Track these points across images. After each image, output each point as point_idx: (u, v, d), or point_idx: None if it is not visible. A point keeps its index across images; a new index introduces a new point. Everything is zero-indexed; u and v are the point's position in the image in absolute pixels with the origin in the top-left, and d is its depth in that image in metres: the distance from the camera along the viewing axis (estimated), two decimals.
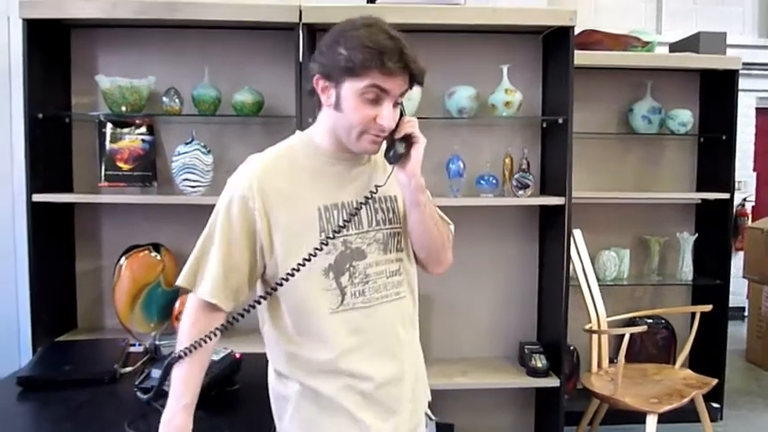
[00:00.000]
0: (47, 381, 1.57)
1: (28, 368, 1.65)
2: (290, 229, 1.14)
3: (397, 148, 1.14)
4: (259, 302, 1.16)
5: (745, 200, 5.21)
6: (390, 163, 1.15)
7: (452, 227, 1.33)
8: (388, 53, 1.04)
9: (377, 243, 1.19)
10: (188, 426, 1.08)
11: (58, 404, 1.44)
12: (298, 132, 1.24)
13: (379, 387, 1.18)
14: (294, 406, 1.18)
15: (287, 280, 1.11)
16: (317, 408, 1.17)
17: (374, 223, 1.19)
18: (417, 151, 1.14)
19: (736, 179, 5.13)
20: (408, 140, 1.14)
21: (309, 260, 1.11)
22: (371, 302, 1.17)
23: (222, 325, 1.12)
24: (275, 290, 1.14)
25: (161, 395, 1.43)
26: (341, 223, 1.14)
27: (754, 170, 5.26)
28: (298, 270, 1.11)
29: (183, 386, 1.09)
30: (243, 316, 1.13)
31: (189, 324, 1.12)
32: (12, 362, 1.70)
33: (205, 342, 1.10)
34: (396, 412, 1.21)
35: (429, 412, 1.37)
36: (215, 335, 1.10)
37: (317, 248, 1.11)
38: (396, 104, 1.11)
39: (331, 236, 1.13)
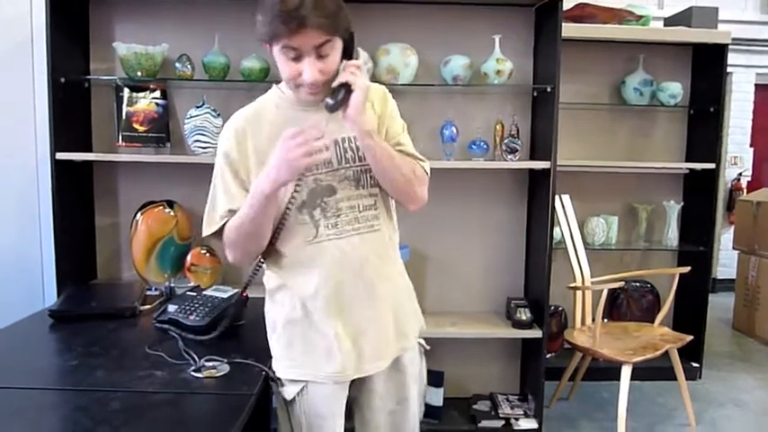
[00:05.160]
0: (75, 314, 1.76)
1: (58, 303, 1.84)
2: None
3: (335, 95, 1.17)
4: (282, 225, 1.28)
5: (740, 174, 5.31)
6: (329, 111, 1.18)
7: (426, 165, 1.35)
8: (283, 14, 1.10)
9: (348, 180, 1.28)
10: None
11: (86, 333, 1.62)
12: (274, 86, 1.34)
13: (353, 310, 1.29)
14: (282, 326, 1.34)
15: (289, 209, 1.24)
16: (299, 327, 1.31)
17: (344, 161, 1.28)
18: (355, 98, 1.17)
19: (733, 154, 5.29)
20: (348, 88, 1.17)
21: (292, 202, 1.24)
22: (344, 234, 1.27)
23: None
24: (287, 212, 1.25)
25: (175, 324, 1.63)
26: None
27: (751, 145, 5.35)
28: (287, 211, 1.24)
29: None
30: None
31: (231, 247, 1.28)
32: (37, 309, 1.88)
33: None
34: (367, 332, 1.31)
35: (422, 341, 1.46)
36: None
37: (295, 191, 1.23)
38: (320, 56, 1.15)
39: (304, 175, 1.23)
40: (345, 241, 1.28)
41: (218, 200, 1.29)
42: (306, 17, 1.10)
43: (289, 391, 1.33)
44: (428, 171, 1.36)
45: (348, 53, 1.21)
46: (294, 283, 1.31)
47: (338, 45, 1.19)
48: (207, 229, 1.31)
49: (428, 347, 1.48)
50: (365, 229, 1.30)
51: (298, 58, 1.16)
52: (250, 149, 1.27)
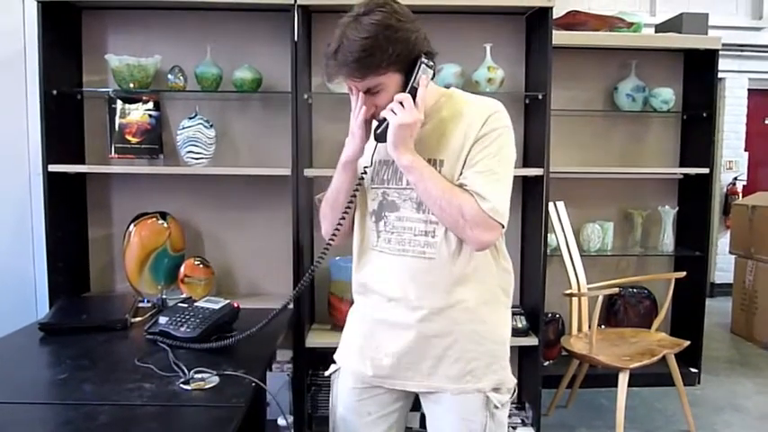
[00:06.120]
0: (65, 327, 1.73)
1: (48, 316, 1.82)
2: None
3: (379, 126, 1.26)
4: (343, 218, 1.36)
5: (736, 179, 5.33)
6: (375, 140, 1.28)
7: (491, 206, 1.21)
8: (328, 62, 1.21)
9: (411, 201, 1.29)
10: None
11: (76, 346, 1.60)
12: None
13: (390, 326, 1.34)
14: (350, 311, 1.48)
15: (348, 211, 1.35)
16: (353, 318, 1.45)
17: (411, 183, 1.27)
18: (389, 135, 1.22)
19: (728, 158, 5.31)
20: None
21: (351, 202, 1.34)
22: (393, 251, 1.31)
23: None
24: (348, 209, 1.36)
25: (166, 335, 1.62)
26: (383, 177, 1.33)
27: (745, 150, 5.36)
28: (349, 207, 1.34)
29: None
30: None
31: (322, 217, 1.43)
32: (30, 321, 1.86)
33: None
34: (396, 356, 1.32)
35: (495, 398, 1.30)
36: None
37: (352, 196, 1.33)
38: (371, 93, 1.22)
39: (356, 187, 1.33)
40: (394, 258, 1.31)
41: None
42: (337, 68, 1.19)
43: (331, 368, 1.47)
44: (492, 214, 1.21)
45: (409, 79, 1.23)
46: (355, 275, 1.42)
47: (392, 80, 1.21)
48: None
49: (498, 406, 1.32)
50: (414, 253, 1.29)
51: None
52: None
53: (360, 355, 1.39)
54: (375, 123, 1.28)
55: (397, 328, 1.32)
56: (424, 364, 1.32)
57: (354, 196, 1.34)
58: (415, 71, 1.22)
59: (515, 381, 1.38)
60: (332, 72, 1.22)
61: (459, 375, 1.31)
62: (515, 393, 1.39)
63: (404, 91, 1.22)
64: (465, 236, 1.24)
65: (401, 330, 1.32)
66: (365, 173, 1.33)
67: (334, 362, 1.48)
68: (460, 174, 1.25)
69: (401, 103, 1.21)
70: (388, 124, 1.23)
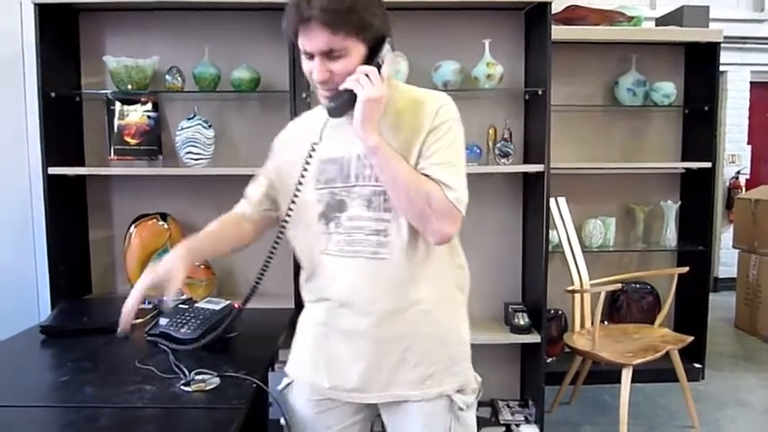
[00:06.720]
0: (66, 329, 1.73)
1: (49, 319, 1.82)
2: (280, 178, 1.32)
3: (336, 99, 1.13)
4: (279, 239, 1.28)
5: (738, 173, 5.30)
6: (329, 115, 1.15)
7: (455, 196, 1.15)
8: (292, 9, 1.09)
9: (360, 198, 1.20)
10: (179, 257, 1.29)
11: (78, 348, 1.59)
12: None
13: (343, 334, 1.25)
14: (300, 319, 1.40)
15: (286, 222, 1.26)
16: (301, 326, 1.38)
17: (360, 179, 1.19)
18: (356, 109, 1.11)
19: (731, 152, 5.28)
20: (352, 95, 1.11)
21: (291, 209, 1.23)
22: (345, 253, 1.22)
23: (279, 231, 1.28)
24: (282, 228, 1.27)
25: (167, 337, 1.61)
26: (329, 176, 1.23)
27: (748, 143, 5.34)
28: (288, 216, 1.24)
29: (197, 235, 1.33)
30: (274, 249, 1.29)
31: None
32: (32, 324, 1.87)
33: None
34: (351, 366, 1.25)
35: (460, 400, 1.25)
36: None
37: (292, 201, 1.23)
38: (332, 57, 1.11)
39: (299, 188, 1.21)
40: (347, 261, 1.22)
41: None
42: (309, 11, 1.07)
43: (284, 382, 1.37)
44: (457, 204, 1.15)
45: (372, 57, 1.14)
46: (306, 286, 1.35)
47: (356, 49, 1.12)
48: None
49: (464, 408, 1.26)
50: (367, 254, 1.20)
51: (312, 57, 1.13)
52: (281, 146, 1.38)
53: (313, 365, 1.30)
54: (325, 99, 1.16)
55: (351, 336, 1.24)
56: (382, 373, 1.24)
57: (299, 190, 1.22)
58: (382, 49, 1.15)
59: (480, 380, 1.33)
60: (299, 16, 1.08)
61: (421, 380, 1.24)
62: (481, 393, 1.33)
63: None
64: (429, 228, 1.15)
65: (355, 337, 1.24)
66: (314, 150, 1.20)
67: (286, 375, 1.38)
68: (415, 167, 1.16)
69: (367, 76, 1.11)
70: (347, 98, 1.11)
